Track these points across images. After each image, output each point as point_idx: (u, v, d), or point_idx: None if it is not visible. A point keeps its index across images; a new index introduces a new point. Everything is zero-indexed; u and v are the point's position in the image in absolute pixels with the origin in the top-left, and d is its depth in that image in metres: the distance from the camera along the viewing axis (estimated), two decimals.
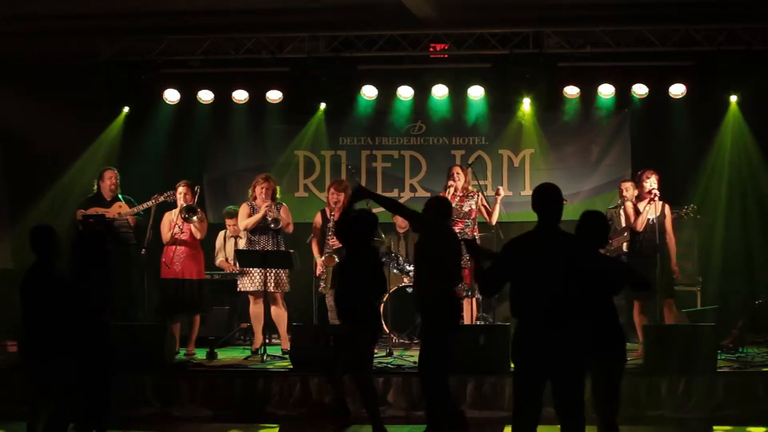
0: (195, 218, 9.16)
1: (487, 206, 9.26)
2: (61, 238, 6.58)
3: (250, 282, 9.12)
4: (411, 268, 10.28)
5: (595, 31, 10.38)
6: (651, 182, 8.80)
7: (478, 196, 9.25)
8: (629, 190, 9.52)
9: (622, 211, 9.62)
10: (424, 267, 6.72)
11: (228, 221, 10.61)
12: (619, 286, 5.80)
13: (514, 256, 5.51)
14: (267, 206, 9.14)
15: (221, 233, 10.81)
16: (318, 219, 9.58)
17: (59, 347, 6.13)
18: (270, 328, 9.44)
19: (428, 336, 6.63)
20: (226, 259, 10.66)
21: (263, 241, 9.19)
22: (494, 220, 9.31)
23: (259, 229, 9.23)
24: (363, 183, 11.25)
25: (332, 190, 9.46)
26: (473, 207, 9.09)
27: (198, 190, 9.45)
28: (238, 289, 9.30)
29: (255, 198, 9.30)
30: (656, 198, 8.73)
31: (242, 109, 11.33)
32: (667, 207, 8.88)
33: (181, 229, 9.20)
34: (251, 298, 9.22)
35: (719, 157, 10.73)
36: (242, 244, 9.76)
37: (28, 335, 6.26)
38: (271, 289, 9.05)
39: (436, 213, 6.82)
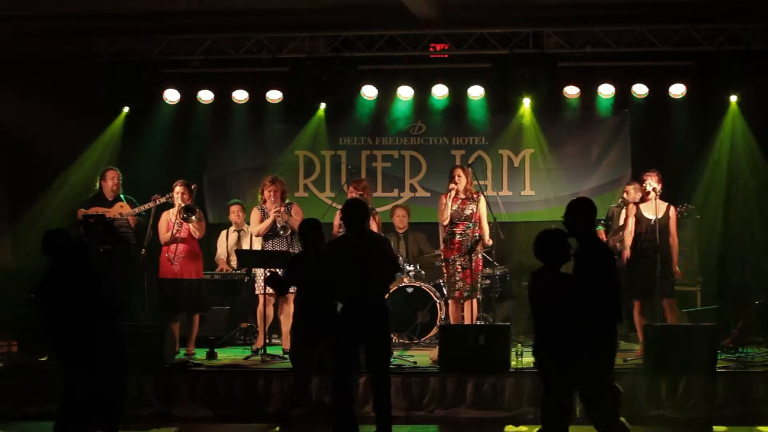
0: (194, 218, 9.15)
1: (481, 218, 9.16)
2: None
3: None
4: (411, 268, 10.30)
5: (595, 31, 10.37)
6: (649, 183, 8.81)
7: (481, 201, 9.15)
8: (630, 193, 9.54)
9: (623, 211, 9.64)
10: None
11: (232, 208, 10.58)
12: None
13: None
14: (276, 211, 9.12)
15: (223, 233, 10.79)
16: (337, 220, 9.56)
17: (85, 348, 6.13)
18: (270, 328, 9.42)
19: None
20: (228, 260, 10.62)
21: (277, 245, 9.16)
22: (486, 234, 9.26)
23: (270, 232, 9.21)
24: None
25: (351, 189, 9.45)
26: (475, 210, 9.05)
27: (195, 189, 9.44)
28: (255, 292, 9.26)
29: (265, 201, 9.29)
30: (654, 198, 8.73)
31: (242, 109, 11.33)
32: (672, 209, 8.87)
33: (179, 229, 9.19)
34: (261, 298, 9.18)
35: (719, 157, 10.73)
36: (248, 245, 9.72)
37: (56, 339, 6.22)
38: (291, 289, 9.01)
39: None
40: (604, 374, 5.95)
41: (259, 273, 9.12)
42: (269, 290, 9.04)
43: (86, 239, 9.06)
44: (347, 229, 7.05)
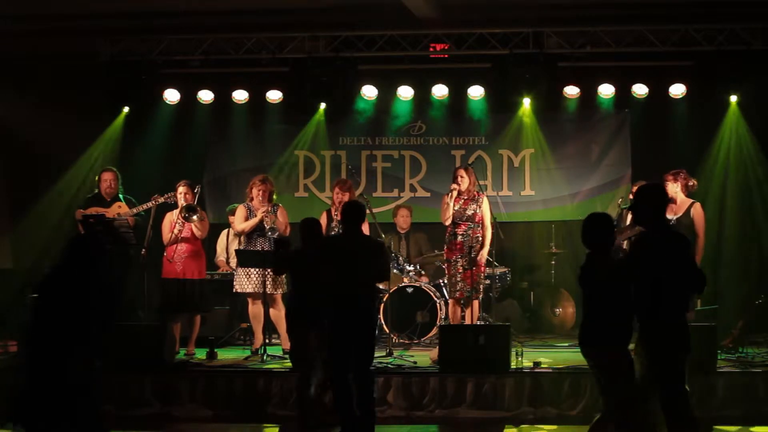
0: (195, 217, 9.15)
1: (484, 220, 9.10)
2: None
3: (247, 283, 9.10)
4: (411, 268, 10.30)
5: (595, 31, 10.37)
6: (668, 187, 8.81)
7: (484, 201, 9.07)
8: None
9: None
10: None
11: (231, 218, 10.60)
12: None
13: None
14: (264, 212, 9.12)
15: (223, 232, 10.79)
16: (323, 219, 9.58)
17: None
18: (270, 328, 9.43)
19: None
20: (227, 260, 10.64)
21: (260, 243, 9.17)
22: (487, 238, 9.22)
23: (256, 231, 9.22)
24: (363, 183, 11.29)
25: (336, 189, 9.46)
26: (477, 212, 9.03)
27: (198, 190, 9.44)
28: (234, 290, 9.29)
29: (252, 199, 9.29)
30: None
31: (242, 109, 11.33)
32: (695, 207, 8.73)
33: (181, 229, 9.20)
34: (249, 299, 9.21)
35: (719, 157, 10.73)
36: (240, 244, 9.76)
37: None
38: (270, 290, 9.03)
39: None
40: (634, 383, 5.62)
41: (240, 272, 9.14)
42: (250, 289, 9.10)
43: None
44: (342, 229, 7.12)
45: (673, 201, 8.75)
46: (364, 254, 6.96)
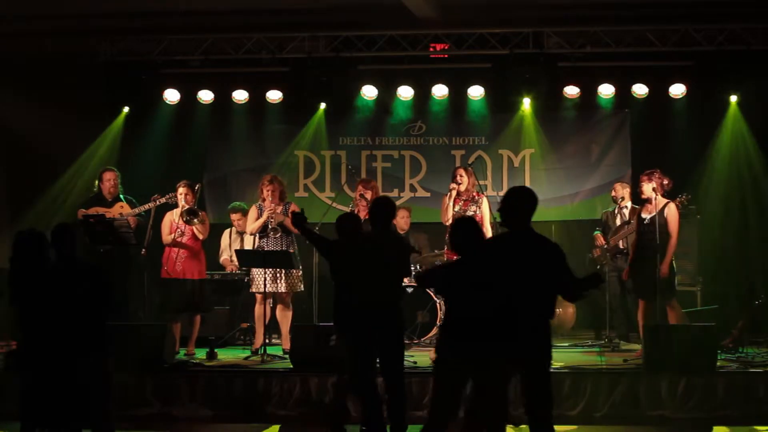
0: (196, 221, 9.14)
1: (484, 221, 9.01)
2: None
3: (262, 283, 9.05)
4: (411, 268, 10.26)
5: (595, 31, 10.38)
6: (642, 187, 8.80)
7: (484, 202, 9.03)
8: (618, 190, 9.58)
9: (617, 212, 9.65)
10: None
11: (233, 216, 10.58)
12: None
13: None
14: (270, 210, 9.12)
15: (226, 231, 10.79)
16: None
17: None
18: (270, 328, 9.42)
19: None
20: (231, 259, 10.63)
21: (271, 243, 9.15)
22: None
23: (261, 231, 9.21)
24: None
25: (360, 187, 9.47)
26: (477, 213, 9.01)
27: (198, 190, 9.43)
28: (251, 290, 9.25)
29: (263, 200, 9.28)
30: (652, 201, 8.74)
31: (242, 109, 11.34)
32: (669, 207, 8.73)
33: (183, 231, 9.19)
34: (259, 297, 9.19)
35: (719, 157, 10.74)
36: (250, 244, 9.73)
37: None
38: (283, 289, 9.01)
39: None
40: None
41: (256, 272, 9.12)
42: (267, 288, 9.06)
43: (86, 237, 9.07)
44: (372, 227, 6.97)
45: (648, 201, 8.75)
46: (395, 254, 6.82)
